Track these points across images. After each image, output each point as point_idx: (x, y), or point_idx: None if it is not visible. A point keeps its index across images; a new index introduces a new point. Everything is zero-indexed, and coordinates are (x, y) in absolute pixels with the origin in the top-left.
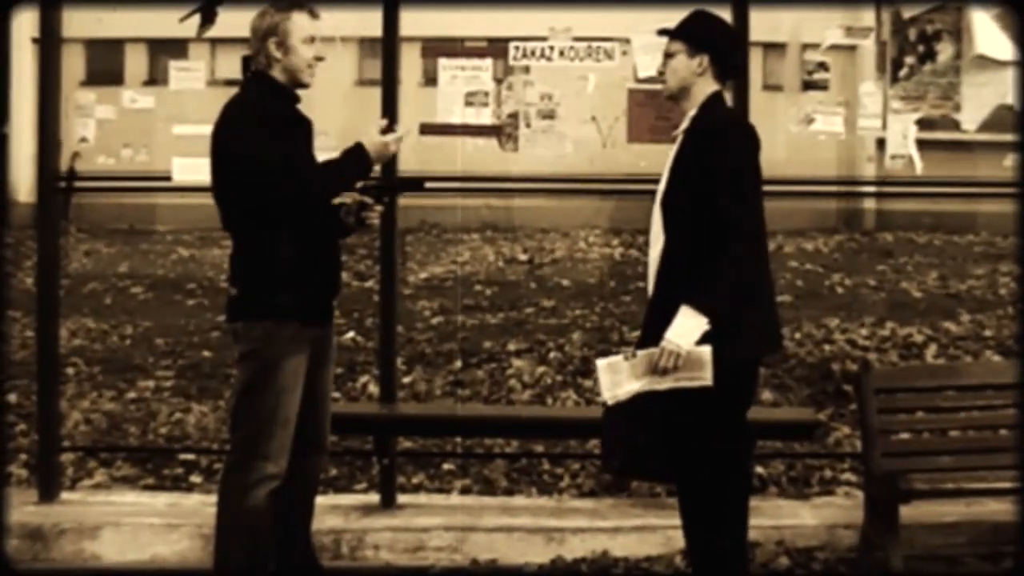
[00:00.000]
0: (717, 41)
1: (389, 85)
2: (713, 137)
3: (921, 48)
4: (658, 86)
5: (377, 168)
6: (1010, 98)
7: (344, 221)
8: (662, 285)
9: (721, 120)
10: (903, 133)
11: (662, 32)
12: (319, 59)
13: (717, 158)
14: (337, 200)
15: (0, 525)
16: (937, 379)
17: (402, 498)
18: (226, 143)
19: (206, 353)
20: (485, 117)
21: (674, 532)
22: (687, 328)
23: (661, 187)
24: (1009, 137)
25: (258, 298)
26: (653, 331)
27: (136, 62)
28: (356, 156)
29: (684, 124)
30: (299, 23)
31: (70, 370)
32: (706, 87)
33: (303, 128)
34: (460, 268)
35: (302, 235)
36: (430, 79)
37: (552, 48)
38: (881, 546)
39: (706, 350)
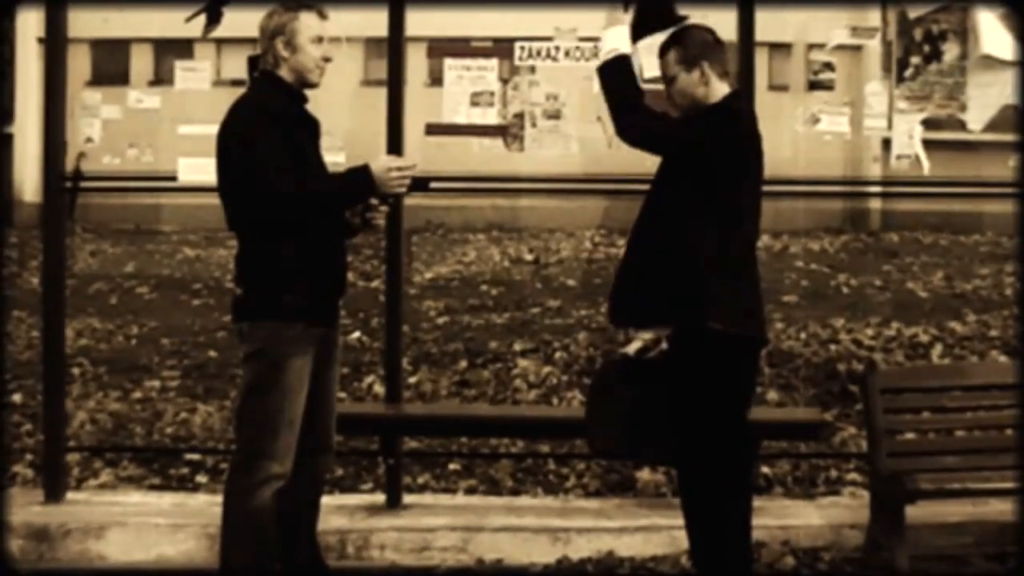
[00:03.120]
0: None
1: (395, 85)
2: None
3: (927, 48)
4: (663, 86)
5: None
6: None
7: (350, 222)
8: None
9: (715, 104)
10: (909, 133)
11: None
12: (327, 60)
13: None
14: None
15: (1, 525)
16: (943, 379)
17: (408, 498)
18: (230, 142)
19: (212, 353)
20: (491, 117)
21: (679, 532)
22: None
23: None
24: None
25: (264, 298)
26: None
27: (142, 62)
28: (359, 176)
29: None
30: (307, 23)
31: (76, 370)
32: (716, 92)
33: (311, 128)
34: (466, 268)
35: (307, 235)
36: (436, 79)
37: (558, 48)
38: (887, 546)
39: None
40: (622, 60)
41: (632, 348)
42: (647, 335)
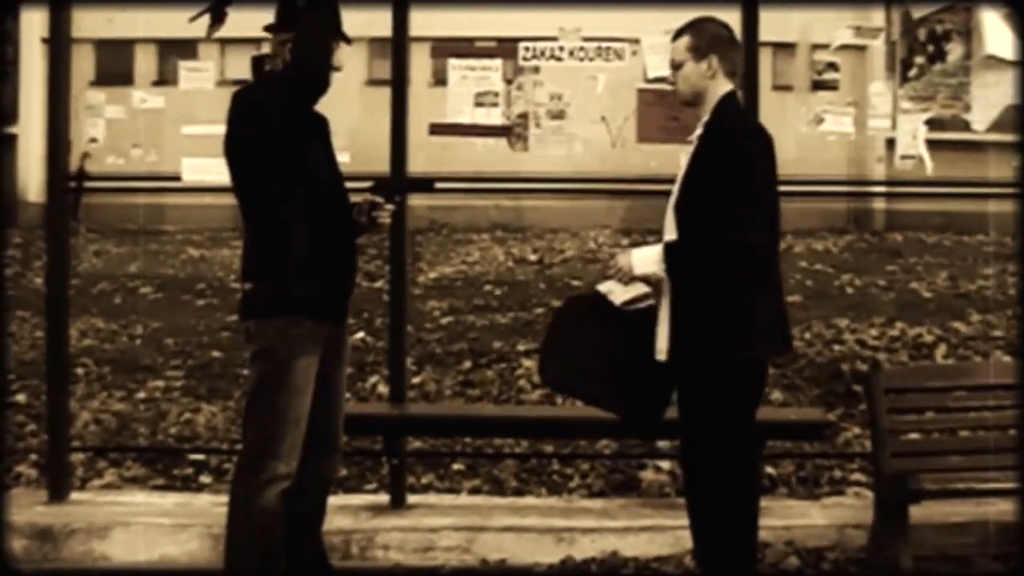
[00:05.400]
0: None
1: (399, 85)
2: (725, 140)
3: (931, 48)
4: (668, 86)
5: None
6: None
7: (356, 220)
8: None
9: (734, 123)
10: (913, 133)
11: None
12: (336, 69)
13: (727, 162)
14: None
15: (0, 525)
16: (947, 379)
17: (412, 498)
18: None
19: (216, 353)
20: (495, 117)
21: (683, 532)
22: (650, 260)
23: (675, 192)
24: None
25: (271, 294)
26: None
27: (146, 62)
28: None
29: (699, 130)
30: None
31: (80, 370)
32: (719, 88)
33: (320, 126)
34: (470, 268)
35: (316, 228)
36: (440, 79)
37: (562, 48)
38: (891, 546)
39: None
40: (666, 248)
41: (620, 298)
42: (641, 289)
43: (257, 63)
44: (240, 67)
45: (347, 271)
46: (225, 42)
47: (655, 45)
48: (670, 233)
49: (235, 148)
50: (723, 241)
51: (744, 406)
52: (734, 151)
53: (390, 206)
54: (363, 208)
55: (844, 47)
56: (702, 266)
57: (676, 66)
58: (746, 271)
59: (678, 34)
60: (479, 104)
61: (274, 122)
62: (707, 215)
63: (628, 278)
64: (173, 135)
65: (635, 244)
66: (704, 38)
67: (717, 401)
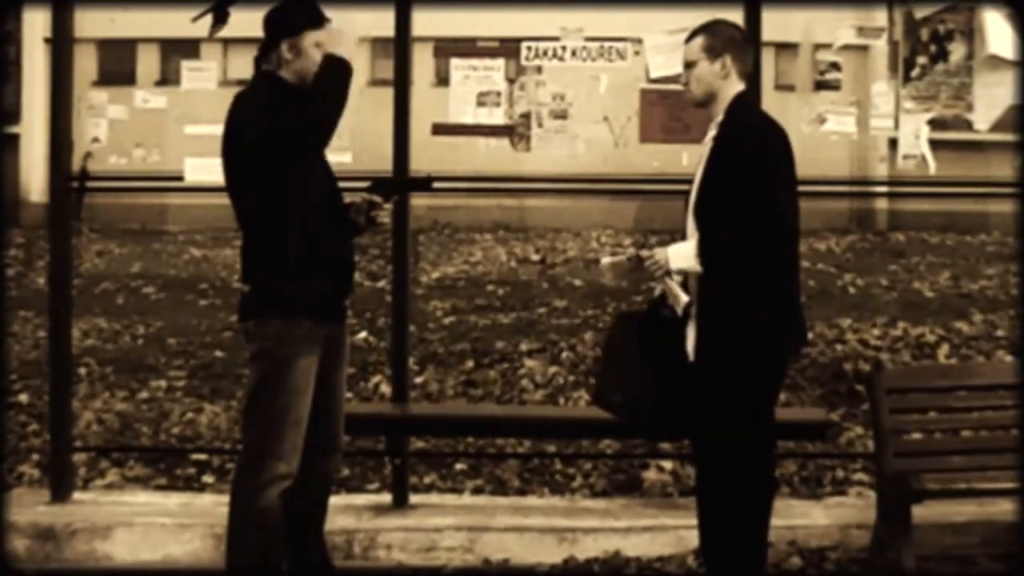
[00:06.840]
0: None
1: (401, 85)
2: (746, 133)
3: (933, 48)
4: (670, 86)
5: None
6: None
7: (355, 220)
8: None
9: (752, 119)
10: (915, 133)
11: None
12: None
13: (751, 152)
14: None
15: (2, 525)
16: (949, 379)
17: (414, 498)
18: (238, 122)
19: (218, 353)
20: (497, 117)
21: (686, 532)
22: (686, 254)
23: (693, 194)
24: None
25: (270, 294)
26: (704, 343)
27: (148, 62)
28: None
29: (712, 131)
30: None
31: (82, 370)
32: (731, 89)
33: None
34: (472, 268)
35: (313, 228)
36: (442, 79)
37: (564, 48)
38: (893, 546)
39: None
40: (701, 242)
41: (679, 263)
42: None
43: (259, 63)
44: (243, 67)
45: (345, 270)
46: (228, 42)
47: (658, 45)
48: (691, 236)
49: (231, 149)
50: (760, 227)
51: (766, 401)
52: (756, 142)
53: (388, 205)
54: (361, 208)
55: (846, 47)
56: (739, 254)
57: (689, 65)
58: (780, 258)
59: (692, 35)
60: (481, 104)
61: (268, 122)
62: (737, 207)
63: (663, 273)
64: (175, 135)
65: (637, 244)
66: (719, 39)
67: (742, 397)
